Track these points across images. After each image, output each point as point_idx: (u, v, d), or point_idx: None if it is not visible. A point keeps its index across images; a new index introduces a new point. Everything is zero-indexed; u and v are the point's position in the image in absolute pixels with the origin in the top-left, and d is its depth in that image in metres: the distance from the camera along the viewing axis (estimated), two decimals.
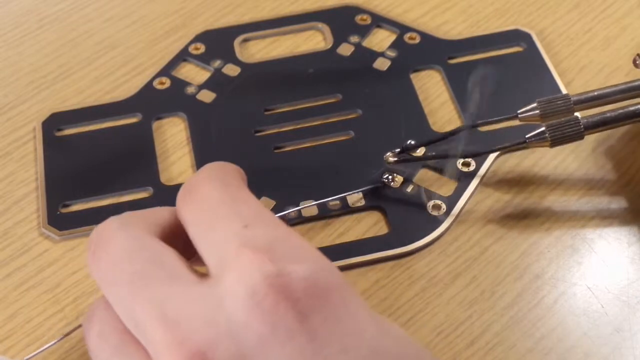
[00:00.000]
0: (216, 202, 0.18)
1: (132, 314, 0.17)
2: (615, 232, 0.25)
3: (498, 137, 0.27)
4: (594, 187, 0.26)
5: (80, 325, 0.20)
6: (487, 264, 0.24)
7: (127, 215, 0.19)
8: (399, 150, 0.26)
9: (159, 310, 0.17)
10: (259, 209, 0.18)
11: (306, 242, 0.18)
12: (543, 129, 0.24)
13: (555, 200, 0.26)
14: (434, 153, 0.27)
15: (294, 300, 0.16)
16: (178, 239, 0.19)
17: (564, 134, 0.24)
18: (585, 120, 0.24)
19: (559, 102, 0.24)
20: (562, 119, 0.24)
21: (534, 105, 0.25)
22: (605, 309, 0.23)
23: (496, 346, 0.23)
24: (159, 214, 0.19)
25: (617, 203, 0.26)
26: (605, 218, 0.26)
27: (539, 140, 0.24)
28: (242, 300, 0.16)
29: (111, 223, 0.19)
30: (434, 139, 0.26)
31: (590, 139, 0.27)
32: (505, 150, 0.25)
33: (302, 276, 0.16)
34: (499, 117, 0.25)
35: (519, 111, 0.25)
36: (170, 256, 0.18)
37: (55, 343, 0.22)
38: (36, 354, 0.22)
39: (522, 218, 0.26)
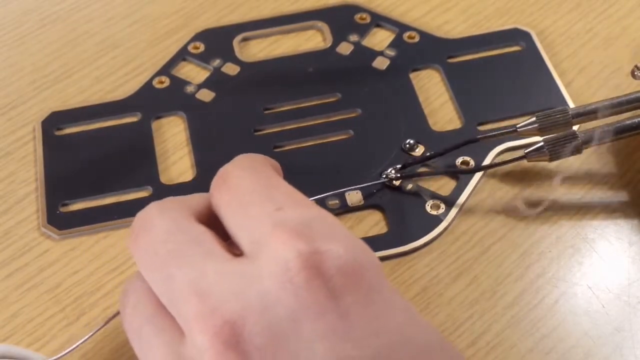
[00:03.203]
0: (248, 188, 0.19)
1: (167, 291, 0.18)
2: (616, 232, 0.25)
3: (498, 136, 0.27)
4: (595, 187, 0.26)
5: (117, 313, 0.20)
6: (488, 264, 0.24)
7: (167, 200, 0.20)
8: (400, 166, 0.26)
9: (193, 284, 0.17)
10: (291, 192, 0.19)
11: (339, 222, 0.18)
12: (542, 144, 0.25)
13: (556, 200, 0.26)
14: (431, 165, 0.27)
15: (327, 278, 0.16)
16: (214, 225, 0.19)
17: (562, 148, 0.24)
18: (583, 135, 0.25)
19: (557, 115, 0.25)
20: (561, 134, 0.25)
21: (533, 119, 0.25)
22: (606, 308, 0.23)
23: (497, 346, 0.23)
24: (197, 200, 0.20)
25: (619, 203, 0.26)
26: (607, 218, 0.25)
27: (538, 155, 0.25)
28: (275, 276, 0.16)
29: (151, 209, 0.19)
30: (435, 154, 0.26)
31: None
32: (504, 164, 0.26)
33: (336, 255, 0.17)
34: (499, 132, 0.26)
35: (517, 126, 0.25)
36: (207, 236, 0.18)
37: (91, 335, 0.22)
38: (73, 349, 0.22)
39: (523, 218, 0.26)
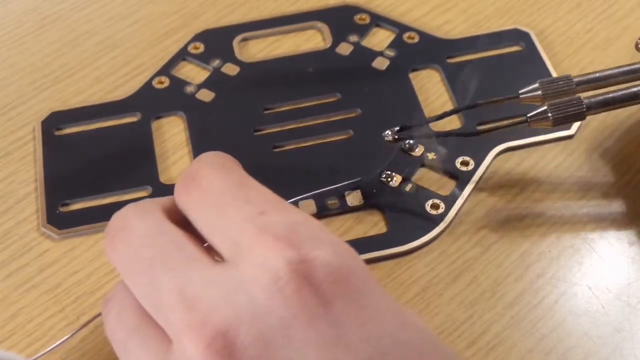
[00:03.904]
0: (220, 187, 0.18)
1: (152, 298, 0.17)
2: (615, 232, 0.25)
3: (498, 136, 0.27)
4: (595, 187, 0.26)
5: (99, 314, 0.20)
6: (488, 264, 0.24)
7: (144, 202, 0.19)
8: (398, 128, 0.26)
9: (179, 293, 0.17)
10: (268, 193, 0.18)
11: (324, 227, 0.18)
12: (545, 108, 0.24)
13: (556, 200, 0.26)
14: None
15: (316, 286, 0.16)
16: (187, 227, 0.19)
17: (566, 113, 0.24)
18: (588, 101, 0.24)
19: (560, 82, 0.24)
20: (564, 99, 0.24)
21: (536, 85, 0.24)
22: (605, 309, 0.23)
23: (497, 346, 0.23)
24: (171, 201, 0.19)
25: (618, 203, 0.26)
26: (606, 218, 0.25)
27: (541, 119, 0.24)
28: (265, 285, 0.16)
29: (128, 210, 0.19)
30: (432, 118, 0.26)
31: (591, 139, 0.27)
32: (505, 128, 0.25)
33: (324, 262, 0.16)
34: (500, 98, 0.25)
35: (520, 91, 0.25)
36: (187, 240, 0.18)
37: (71, 336, 0.22)
38: (51, 350, 0.22)
39: (522, 218, 0.26)
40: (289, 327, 0.16)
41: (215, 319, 0.16)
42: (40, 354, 0.22)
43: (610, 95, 0.24)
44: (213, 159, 0.19)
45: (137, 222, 0.18)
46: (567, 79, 0.24)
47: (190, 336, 0.16)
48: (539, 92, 0.24)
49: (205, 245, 0.18)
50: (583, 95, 0.24)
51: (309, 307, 0.16)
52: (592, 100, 0.24)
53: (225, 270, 0.17)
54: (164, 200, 0.19)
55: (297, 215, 0.18)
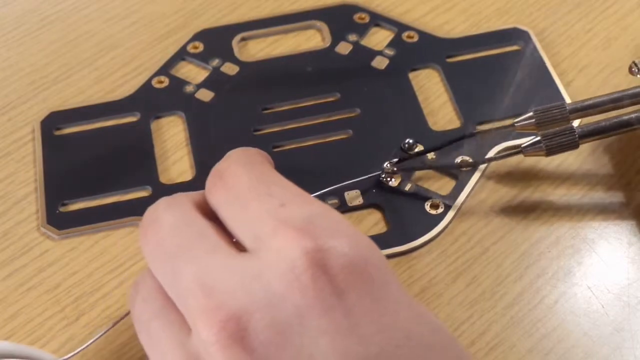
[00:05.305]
0: (246, 185, 0.19)
1: (174, 285, 0.18)
2: (615, 232, 0.25)
3: (495, 136, 0.27)
4: (595, 187, 0.26)
5: (128, 314, 0.20)
6: (488, 264, 0.24)
7: (175, 196, 0.20)
8: (396, 160, 0.26)
9: (199, 280, 0.17)
10: (291, 187, 0.19)
11: (344, 218, 0.18)
12: (538, 138, 0.25)
13: (556, 200, 0.26)
14: (431, 158, 0.27)
15: (332, 275, 0.16)
16: (218, 219, 0.19)
17: (559, 143, 0.24)
18: (580, 130, 0.25)
19: (554, 111, 0.25)
20: (557, 129, 0.25)
21: (530, 114, 0.25)
22: (605, 309, 0.23)
23: (497, 346, 0.23)
24: (203, 195, 0.20)
25: (618, 203, 0.26)
26: (606, 218, 0.25)
27: (535, 149, 0.25)
28: (281, 273, 0.16)
29: (159, 204, 0.19)
30: (432, 148, 0.26)
31: None
32: (501, 158, 0.26)
33: (341, 252, 0.17)
34: (497, 126, 0.26)
35: (515, 121, 0.25)
36: (212, 231, 0.18)
37: (104, 333, 0.22)
38: (84, 348, 0.22)
39: (522, 218, 0.26)
40: (303, 315, 0.16)
41: (230, 304, 0.16)
42: (71, 353, 0.22)
43: (603, 123, 0.25)
44: (240, 155, 0.20)
45: (166, 214, 0.19)
46: (560, 107, 0.25)
47: (204, 320, 0.16)
48: (533, 121, 0.25)
49: (234, 240, 0.19)
50: (577, 122, 0.25)
51: (323, 297, 0.16)
52: (585, 129, 0.25)
53: (245, 259, 0.17)
54: (196, 194, 0.20)
55: (318, 207, 0.18)
